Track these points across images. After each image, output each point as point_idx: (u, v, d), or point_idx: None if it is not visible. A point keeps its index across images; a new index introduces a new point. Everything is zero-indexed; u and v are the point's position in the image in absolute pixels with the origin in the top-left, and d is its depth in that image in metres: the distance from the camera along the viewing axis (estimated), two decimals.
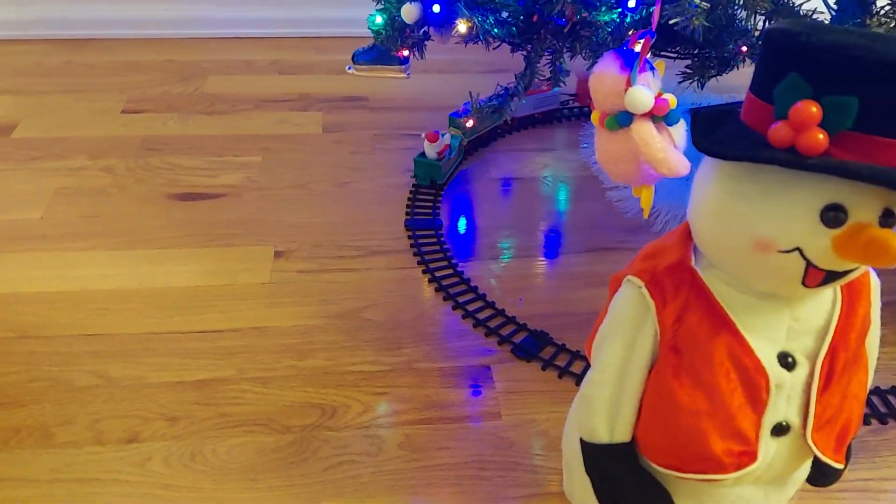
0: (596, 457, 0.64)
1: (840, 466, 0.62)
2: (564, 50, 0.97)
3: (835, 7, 0.95)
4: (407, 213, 1.41)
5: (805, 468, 0.65)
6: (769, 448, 0.60)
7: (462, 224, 1.40)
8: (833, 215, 0.51)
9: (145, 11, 2.12)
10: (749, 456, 0.59)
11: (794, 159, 0.49)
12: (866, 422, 0.99)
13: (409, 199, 1.45)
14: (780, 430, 0.59)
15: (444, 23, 0.92)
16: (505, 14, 0.90)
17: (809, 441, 0.59)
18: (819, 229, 0.51)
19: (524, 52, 1.00)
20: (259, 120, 1.73)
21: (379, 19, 1.07)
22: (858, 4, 0.74)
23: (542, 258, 1.32)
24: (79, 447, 0.92)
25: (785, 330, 0.58)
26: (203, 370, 1.03)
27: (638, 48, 0.80)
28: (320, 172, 1.53)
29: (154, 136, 1.64)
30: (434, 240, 1.34)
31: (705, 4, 0.68)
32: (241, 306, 1.15)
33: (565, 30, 0.91)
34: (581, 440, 0.65)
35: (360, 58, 1.28)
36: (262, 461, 0.91)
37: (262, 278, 1.21)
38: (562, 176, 1.54)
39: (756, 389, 0.57)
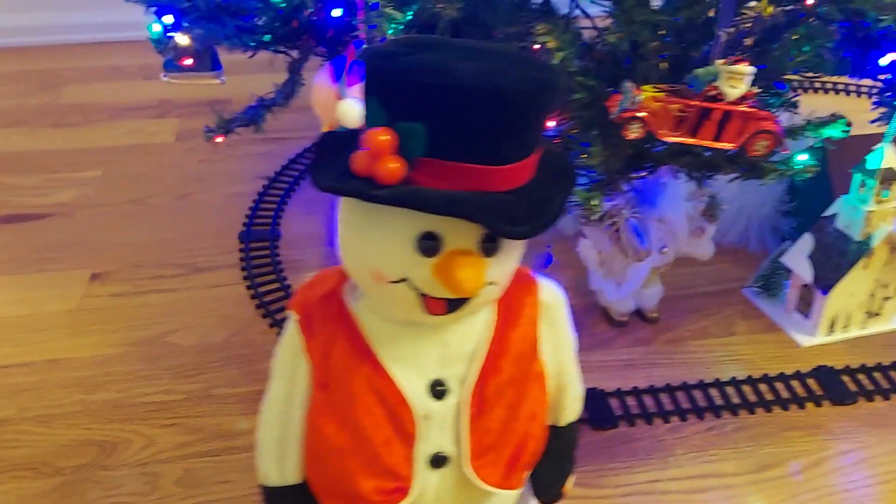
0: (268, 499, 0.61)
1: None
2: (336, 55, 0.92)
3: None
4: (244, 225, 1.36)
5: (504, 495, 0.62)
6: (429, 481, 0.56)
7: (305, 234, 1.35)
8: (428, 244, 0.48)
9: (3, 19, 2.04)
10: (401, 492, 0.56)
11: (364, 189, 0.46)
12: (666, 419, 0.96)
13: (250, 209, 1.40)
14: (438, 461, 0.56)
15: None
16: (260, 21, 0.85)
17: (467, 470, 0.56)
18: (417, 259, 0.49)
19: (287, 60, 0.96)
20: (110, 131, 1.67)
21: (157, 27, 1.01)
22: None
23: None
24: None
25: (435, 358, 0.55)
26: None
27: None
28: (162, 185, 1.47)
29: None
30: (267, 252, 1.29)
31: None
32: (39, 338, 1.10)
33: (329, 34, 0.87)
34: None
35: (170, 65, 1.23)
36: None
37: (69, 305, 1.16)
38: None
39: (402, 422, 0.54)
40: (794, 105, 0.89)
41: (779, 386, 1.01)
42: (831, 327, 1.07)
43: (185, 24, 0.82)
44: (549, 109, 0.50)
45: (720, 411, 0.97)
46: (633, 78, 0.63)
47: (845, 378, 1.03)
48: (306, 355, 0.56)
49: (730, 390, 1.00)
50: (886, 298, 1.07)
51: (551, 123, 0.70)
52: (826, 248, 1.02)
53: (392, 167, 0.45)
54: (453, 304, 0.51)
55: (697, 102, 0.64)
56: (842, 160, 1.11)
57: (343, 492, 0.56)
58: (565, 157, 0.55)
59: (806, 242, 1.05)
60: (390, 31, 0.73)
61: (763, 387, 1.01)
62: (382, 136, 0.45)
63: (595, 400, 0.98)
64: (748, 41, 0.73)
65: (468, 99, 0.44)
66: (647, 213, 0.99)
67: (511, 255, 0.52)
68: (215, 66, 1.24)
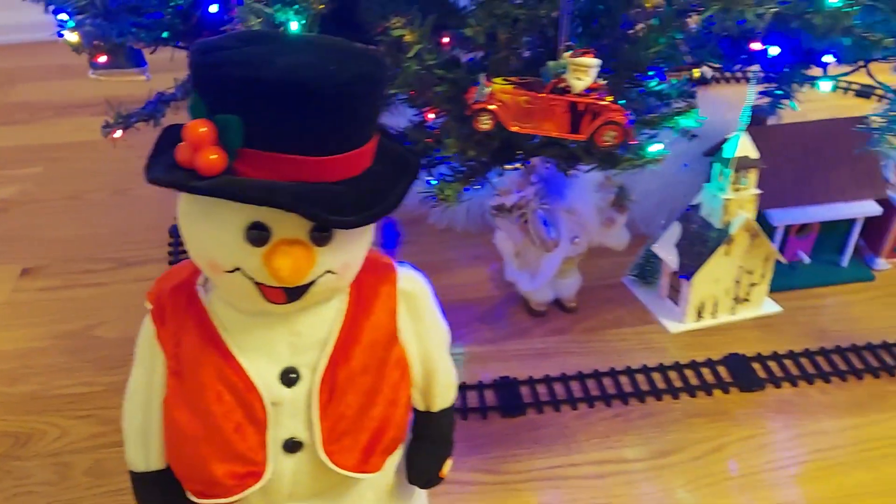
0: (135, 484, 0.63)
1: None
2: None
3: None
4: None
5: (369, 478, 0.63)
6: (284, 465, 0.57)
7: None
8: (256, 234, 0.50)
9: None
10: (255, 476, 0.57)
11: (184, 181, 0.48)
12: (574, 406, 0.98)
13: None
14: (292, 446, 0.57)
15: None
16: (164, 18, 0.86)
17: (321, 455, 0.57)
18: (247, 249, 0.50)
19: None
20: (55, 128, 1.67)
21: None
22: None
23: None
24: None
25: (287, 346, 0.56)
26: None
27: None
28: (101, 180, 1.48)
29: None
30: None
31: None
32: None
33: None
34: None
35: (96, 63, 1.23)
36: None
37: None
38: None
39: (252, 409, 0.55)
40: (692, 95, 0.90)
41: (689, 373, 1.03)
42: (699, 314, 1.09)
43: (73, 22, 0.83)
44: (372, 101, 0.51)
45: (627, 398, 0.99)
46: (489, 70, 0.65)
47: (756, 365, 1.04)
48: (160, 345, 0.57)
49: (639, 378, 1.02)
50: (753, 284, 1.09)
51: (432, 116, 0.72)
52: (691, 236, 1.05)
53: (211, 158, 0.47)
54: (293, 293, 0.52)
55: (544, 95, 0.66)
56: (758, 148, 1.13)
57: (199, 477, 0.57)
58: (407, 147, 0.56)
59: (674, 231, 1.07)
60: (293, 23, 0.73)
61: (673, 374, 1.03)
62: (201, 129, 0.47)
63: (505, 388, 1.00)
64: (638, 30, 0.74)
65: (278, 92, 0.46)
66: (555, 204, 1.00)
67: (351, 244, 0.53)
68: (139, 62, 1.25)
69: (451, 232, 1.30)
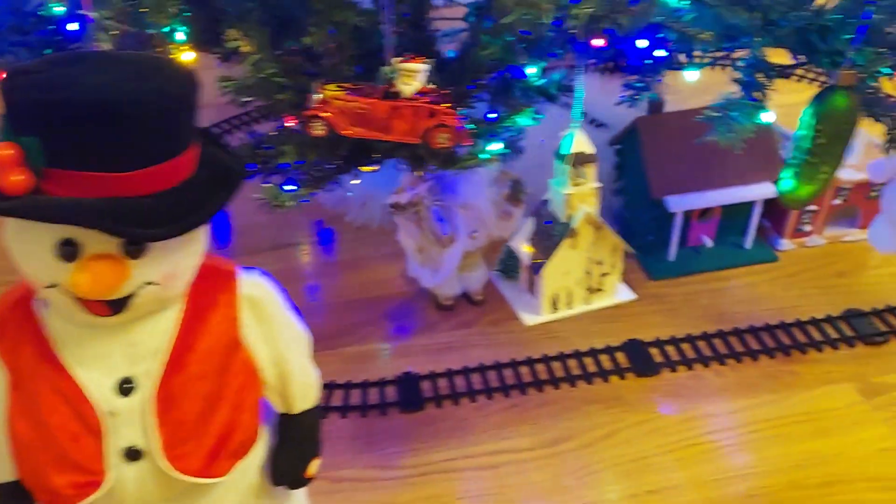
0: None
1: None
2: None
3: None
4: None
5: (224, 482, 0.64)
6: (126, 473, 0.58)
7: None
8: (66, 250, 0.51)
9: None
10: (94, 485, 0.58)
11: None
12: (473, 399, 1.00)
13: None
14: (132, 454, 0.58)
15: None
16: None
17: (161, 462, 0.58)
18: (60, 265, 0.51)
19: None
20: None
21: None
22: None
23: None
24: None
25: (123, 356, 0.57)
26: None
27: None
28: None
29: None
30: None
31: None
32: None
33: None
34: None
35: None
36: None
37: None
38: None
39: (88, 420, 0.57)
40: (570, 88, 0.92)
41: (587, 361, 1.05)
42: (554, 305, 1.12)
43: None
44: (179, 116, 0.52)
45: (526, 388, 1.01)
46: (324, 77, 0.66)
47: (653, 350, 1.07)
48: (0, 359, 0.58)
49: (539, 367, 1.04)
50: (604, 274, 1.12)
51: (290, 124, 0.73)
52: (542, 230, 1.07)
53: (14, 180, 0.48)
54: (115, 305, 0.53)
55: (375, 100, 0.67)
56: (655, 137, 1.16)
57: (41, 486, 0.59)
58: (230, 157, 0.58)
59: (528, 226, 1.09)
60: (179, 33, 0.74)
61: (572, 362, 1.05)
62: (3, 151, 0.48)
63: (406, 384, 1.02)
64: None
65: (77, 112, 0.47)
66: (450, 200, 1.02)
67: (172, 255, 0.54)
68: None
69: (366, 230, 1.31)
